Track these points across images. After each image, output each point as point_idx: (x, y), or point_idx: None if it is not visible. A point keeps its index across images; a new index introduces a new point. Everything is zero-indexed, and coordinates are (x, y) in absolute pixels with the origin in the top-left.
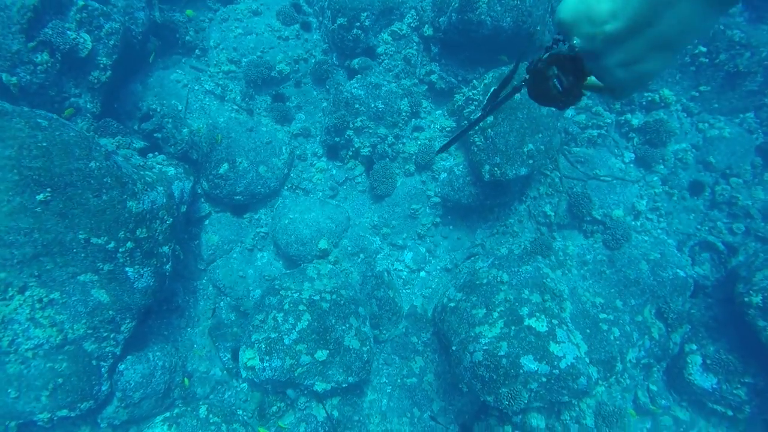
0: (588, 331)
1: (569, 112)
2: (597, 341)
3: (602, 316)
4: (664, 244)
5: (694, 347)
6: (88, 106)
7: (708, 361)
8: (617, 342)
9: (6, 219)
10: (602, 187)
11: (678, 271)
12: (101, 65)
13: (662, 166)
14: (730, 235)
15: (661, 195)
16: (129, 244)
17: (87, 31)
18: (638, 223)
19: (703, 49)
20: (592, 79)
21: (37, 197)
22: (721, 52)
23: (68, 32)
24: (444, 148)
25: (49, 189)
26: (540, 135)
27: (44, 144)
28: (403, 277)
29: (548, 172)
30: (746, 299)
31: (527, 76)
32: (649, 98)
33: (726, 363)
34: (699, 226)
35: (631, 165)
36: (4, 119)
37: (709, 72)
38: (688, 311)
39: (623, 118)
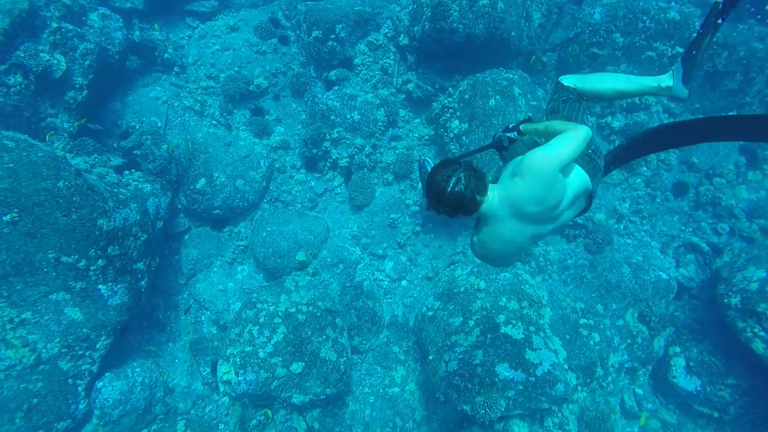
0: (568, 336)
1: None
2: (577, 347)
3: (582, 321)
4: (648, 246)
5: (678, 350)
6: (64, 125)
7: (691, 364)
8: (597, 347)
9: None
10: None
11: (661, 273)
12: (77, 85)
13: (645, 168)
14: (715, 236)
15: (644, 197)
16: (101, 262)
17: (61, 52)
18: (621, 226)
19: (680, 50)
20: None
21: (3, 218)
22: None
23: (41, 54)
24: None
25: (16, 210)
26: None
27: (11, 165)
28: (384, 286)
29: None
30: (726, 300)
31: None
32: (629, 100)
33: (709, 365)
34: (683, 228)
35: None
36: None
37: None
38: (672, 314)
39: (604, 120)
